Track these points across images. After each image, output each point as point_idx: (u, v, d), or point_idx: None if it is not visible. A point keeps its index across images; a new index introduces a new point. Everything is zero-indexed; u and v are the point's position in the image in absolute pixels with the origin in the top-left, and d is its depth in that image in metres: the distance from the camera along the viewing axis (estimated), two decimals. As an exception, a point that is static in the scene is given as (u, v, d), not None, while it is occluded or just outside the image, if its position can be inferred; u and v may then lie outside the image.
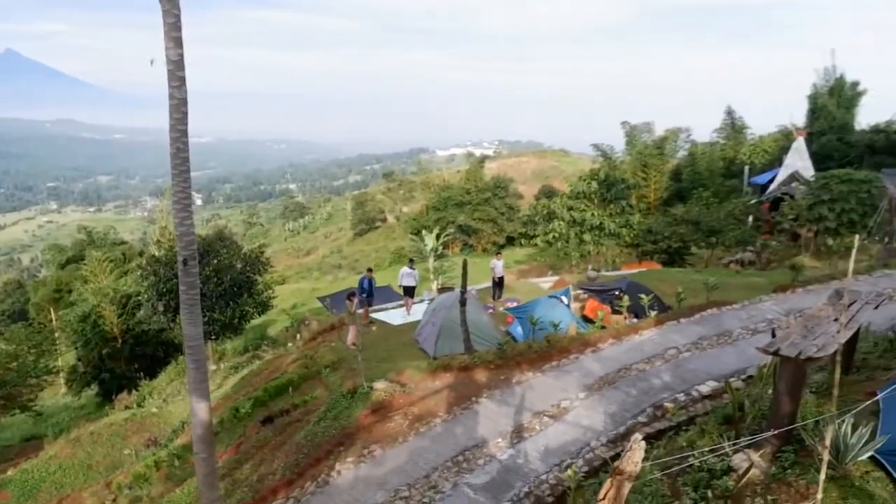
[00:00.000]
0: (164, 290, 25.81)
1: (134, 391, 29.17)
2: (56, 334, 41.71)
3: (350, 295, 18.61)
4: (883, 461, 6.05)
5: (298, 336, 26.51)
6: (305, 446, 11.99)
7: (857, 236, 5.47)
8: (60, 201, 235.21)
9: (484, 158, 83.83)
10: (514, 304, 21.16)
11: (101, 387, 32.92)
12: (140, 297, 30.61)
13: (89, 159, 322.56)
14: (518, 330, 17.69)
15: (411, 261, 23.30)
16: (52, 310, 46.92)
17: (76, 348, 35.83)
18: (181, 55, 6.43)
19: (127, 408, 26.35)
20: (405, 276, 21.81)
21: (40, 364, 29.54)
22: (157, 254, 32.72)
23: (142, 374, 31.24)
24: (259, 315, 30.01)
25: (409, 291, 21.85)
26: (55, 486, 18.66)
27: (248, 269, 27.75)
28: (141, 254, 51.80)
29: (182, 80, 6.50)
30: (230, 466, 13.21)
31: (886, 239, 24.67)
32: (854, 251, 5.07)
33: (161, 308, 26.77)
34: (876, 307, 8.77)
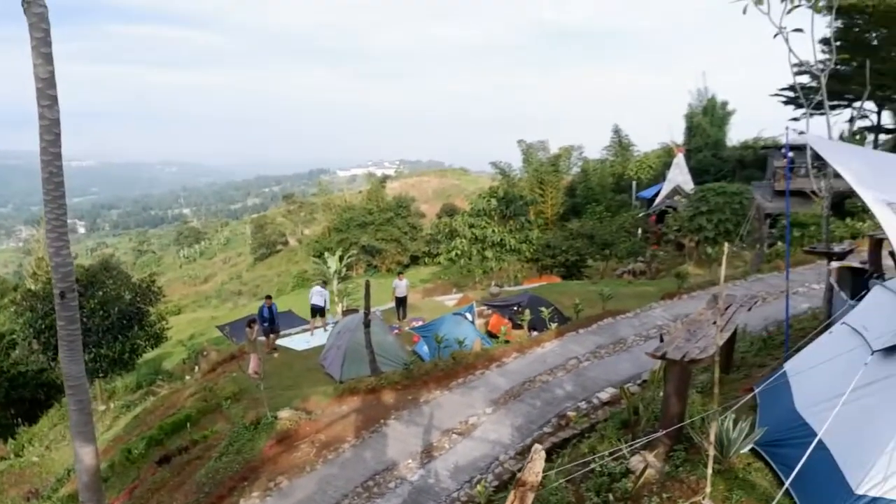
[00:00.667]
0: (42, 326, 23.81)
1: (11, 439, 26.67)
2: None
3: (251, 322, 18.00)
4: (762, 452, 6.50)
5: (196, 368, 25.26)
6: (206, 484, 11.40)
7: (726, 244, 5.94)
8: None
9: (385, 178, 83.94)
10: (420, 323, 21.24)
11: (-29, 437, 29.85)
12: (15, 336, 28.12)
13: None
14: (424, 349, 17.74)
15: (324, 282, 23.21)
16: None
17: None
18: (52, 72, 6.08)
19: (3, 458, 24.07)
20: (314, 294, 21.78)
21: None
22: (33, 287, 30.17)
23: (20, 419, 28.61)
24: (152, 348, 28.32)
25: (317, 311, 21.64)
26: (-84, 552, 16.70)
27: (138, 299, 26.16)
28: (15, 288, 47.56)
29: (54, 99, 6.14)
30: (123, 513, 12.33)
31: (758, 245, 26.89)
32: (724, 258, 5.49)
33: (39, 346, 24.69)
34: (749, 309, 9.52)
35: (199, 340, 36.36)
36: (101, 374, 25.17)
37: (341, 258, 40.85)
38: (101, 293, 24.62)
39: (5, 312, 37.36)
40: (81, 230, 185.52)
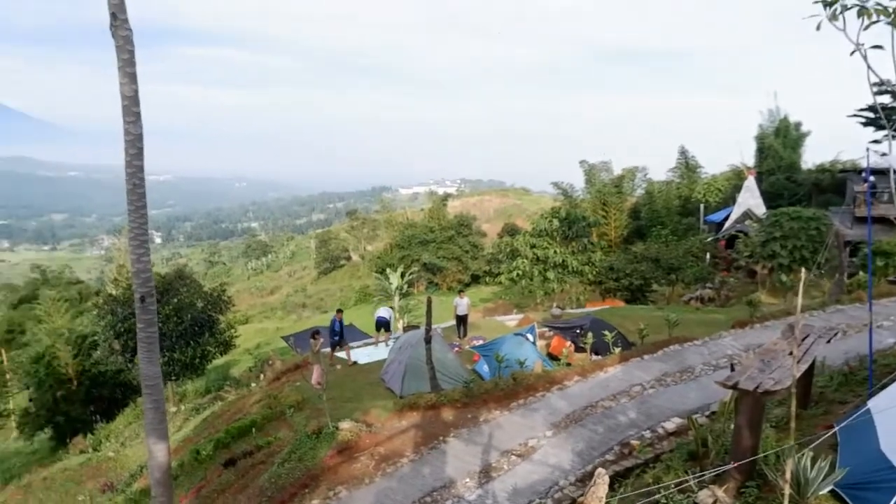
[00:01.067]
0: (122, 329, 25.15)
1: (90, 434, 28.11)
2: (7, 376, 40.20)
3: (315, 333, 18.40)
4: (843, 495, 6.14)
5: (262, 376, 25.95)
6: (269, 489, 11.68)
7: (804, 272, 5.72)
8: (12, 240, 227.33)
9: (447, 197, 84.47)
10: (480, 342, 21.19)
11: (55, 430, 31.62)
12: (96, 337, 29.72)
13: (42, 197, 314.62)
14: (484, 368, 17.69)
15: (391, 307, 24.34)
16: (3, 351, 45.11)
17: (28, 390, 34.44)
18: (136, 91, 6.47)
19: (82, 452, 25.43)
20: (382, 310, 23.20)
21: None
22: (114, 292, 31.89)
23: (98, 416, 30.15)
24: (221, 355, 29.42)
25: (382, 325, 22.57)
26: (2, 536, 17.75)
27: (209, 308, 27.27)
28: (97, 293, 50.43)
29: (137, 115, 6.53)
30: (189, 513, 12.75)
31: (837, 274, 25.58)
32: (801, 287, 5.29)
33: (118, 348, 26.03)
34: (828, 341, 9.08)
35: (265, 350, 37.37)
36: (173, 378, 26.28)
37: (403, 275, 41.28)
38: (175, 300, 25.80)
39: (88, 315, 39.65)
40: (158, 240, 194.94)
